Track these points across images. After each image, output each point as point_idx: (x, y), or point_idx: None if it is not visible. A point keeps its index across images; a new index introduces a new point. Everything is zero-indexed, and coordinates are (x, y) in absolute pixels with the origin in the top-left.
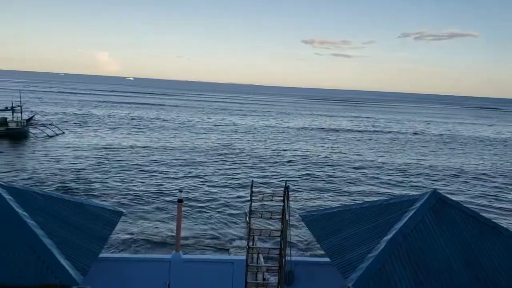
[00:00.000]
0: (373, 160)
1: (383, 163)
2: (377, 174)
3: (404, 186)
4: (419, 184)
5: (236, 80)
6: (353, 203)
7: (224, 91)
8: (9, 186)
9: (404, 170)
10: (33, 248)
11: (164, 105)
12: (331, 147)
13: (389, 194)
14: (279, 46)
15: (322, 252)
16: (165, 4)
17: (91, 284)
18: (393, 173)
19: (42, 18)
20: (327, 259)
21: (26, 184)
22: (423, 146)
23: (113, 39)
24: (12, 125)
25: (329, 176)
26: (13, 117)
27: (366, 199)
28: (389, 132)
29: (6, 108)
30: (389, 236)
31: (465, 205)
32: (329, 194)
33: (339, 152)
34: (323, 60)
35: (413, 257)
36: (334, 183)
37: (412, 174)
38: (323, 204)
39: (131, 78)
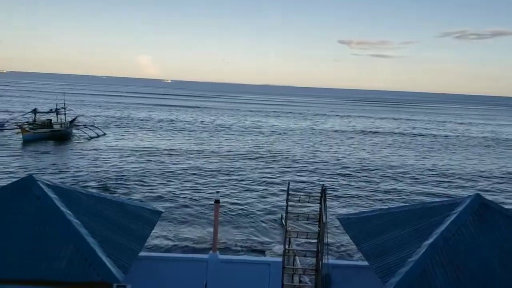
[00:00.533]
0: (413, 163)
1: (423, 166)
2: (418, 177)
3: (446, 190)
4: (461, 188)
5: (271, 81)
6: (392, 206)
7: (258, 93)
8: (55, 186)
9: (446, 173)
10: (77, 246)
11: (201, 107)
12: (370, 149)
13: (430, 197)
14: (314, 47)
15: (360, 255)
16: (212, 6)
17: (130, 282)
18: (434, 176)
19: (86, 22)
20: (365, 263)
21: (70, 184)
22: (465, 149)
23: (153, 43)
24: (56, 127)
25: (368, 178)
26: (57, 118)
27: (406, 202)
28: (430, 134)
29: (51, 110)
30: (430, 240)
31: (509, 209)
32: (367, 197)
33: (377, 154)
34: (361, 61)
35: (455, 262)
36: (373, 186)
37: (454, 177)
38: (361, 207)
39: (169, 81)
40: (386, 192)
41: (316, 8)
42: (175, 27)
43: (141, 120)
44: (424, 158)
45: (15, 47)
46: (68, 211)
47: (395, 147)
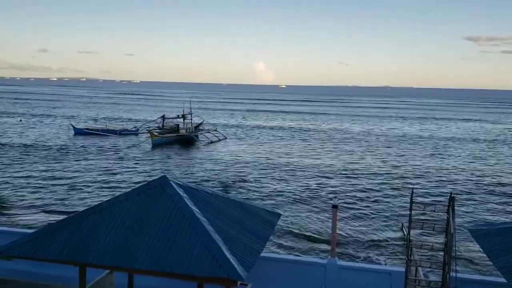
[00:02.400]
0: None
1: None
2: None
3: None
4: None
5: (392, 83)
6: None
7: (379, 95)
8: (184, 185)
9: None
10: (204, 243)
11: (316, 113)
12: (502, 157)
13: None
14: (439, 44)
15: (493, 271)
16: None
17: (251, 281)
18: None
19: (209, 35)
20: (500, 279)
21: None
22: None
23: (268, 48)
24: (182, 132)
25: (501, 191)
26: (184, 124)
27: None
28: None
29: (178, 116)
30: None
31: None
32: (500, 210)
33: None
34: (491, 59)
35: None
36: (507, 199)
37: None
38: (492, 219)
39: (283, 86)
40: None
41: (441, 3)
42: (287, 30)
43: (258, 126)
44: None
45: (145, 60)
46: (196, 209)
47: None
